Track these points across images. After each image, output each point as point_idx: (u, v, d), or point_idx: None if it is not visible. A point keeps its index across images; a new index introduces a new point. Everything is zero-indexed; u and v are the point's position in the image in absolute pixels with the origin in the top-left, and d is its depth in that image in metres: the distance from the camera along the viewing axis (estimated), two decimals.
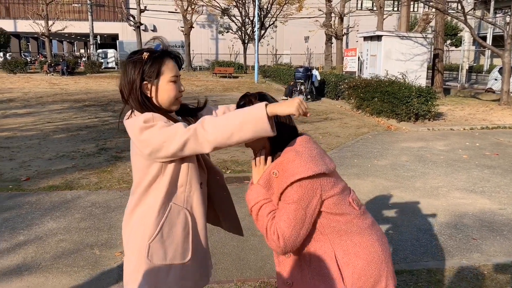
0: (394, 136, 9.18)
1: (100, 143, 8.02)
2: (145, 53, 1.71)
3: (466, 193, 5.33)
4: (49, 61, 31.71)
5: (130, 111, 1.75)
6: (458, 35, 34.26)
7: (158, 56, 1.72)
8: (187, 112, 1.93)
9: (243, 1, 35.18)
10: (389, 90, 10.93)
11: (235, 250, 3.71)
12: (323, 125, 10.26)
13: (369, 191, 5.38)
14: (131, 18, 33.44)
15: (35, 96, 16.25)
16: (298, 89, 15.43)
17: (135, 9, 33.58)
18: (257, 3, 27.57)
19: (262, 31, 34.80)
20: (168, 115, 1.73)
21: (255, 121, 1.49)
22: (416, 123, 10.46)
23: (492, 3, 31.94)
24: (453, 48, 35.53)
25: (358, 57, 18.23)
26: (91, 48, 40.95)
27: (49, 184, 5.50)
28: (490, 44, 24.53)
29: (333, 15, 28.17)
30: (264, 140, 1.70)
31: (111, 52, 39.45)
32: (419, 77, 14.52)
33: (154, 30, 43.71)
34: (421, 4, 31.71)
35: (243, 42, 36.97)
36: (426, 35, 15.64)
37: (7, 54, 42.35)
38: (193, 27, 34.96)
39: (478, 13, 21.71)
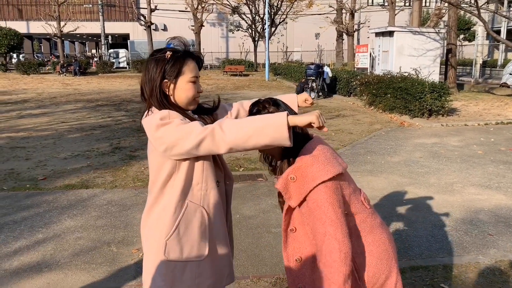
0: (407, 132, 9.12)
1: (114, 142, 8.11)
2: (168, 52, 1.74)
3: (482, 189, 5.28)
4: (61, 62, 32.08)
5: (147, 109, 1.77)
6: (471, 29, 33.83)
7: (180, 56, 1.75)
8: (203, 111, 1.95)
9: None
10: (402, 86, 10.86)
11: (250, 246, 3.73)
12: (336, 122, 10.23)
13: (383, 187, 5.36)
14: (142, 18, 33.65)
15: (49, 97, 16.46)
16: (310, 86, 15.38)
17: (146, 8, 33.80)
18: (267, 0, 27.52)
19: (273, 29, 34.74)
20: (185, 113, 1.75)
21: (275, 127, 1.50)
22: (430, 119, 10.37)
23: None
24: (467, 42, 35.10)
25: (370, 53, 18.12)
26: (103, 48, 41.36)
27: (65, 183, 5.59)
28: (504, 38, 24.17)
29: (344, 11, 28.01)
30: (278, 148, 1.71)
31: (122, 52, 39.72)
32: (432, 73, 14.38)
33: (165, 29, 43.96)
34: None
35: (254, 40, 36.97)
36: (439, 30, 15.47)
37: (20, 55, 42.96)
38: (204, 26, 35.04)
39: (492, 6, 21.40)
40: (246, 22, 36.45)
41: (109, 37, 47.35)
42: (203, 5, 33.83)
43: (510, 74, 17.39)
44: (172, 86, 1.74)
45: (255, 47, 37.26)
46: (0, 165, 6.46)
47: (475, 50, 21.13)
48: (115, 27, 45.33)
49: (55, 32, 35.37)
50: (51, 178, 5.79)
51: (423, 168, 6.26)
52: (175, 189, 1.75)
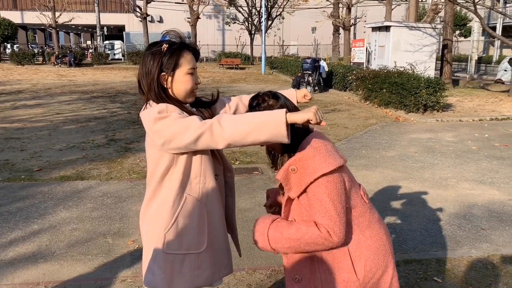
0: (402, 127, 9.16)
1: (109, 134, 8.09)
2: (164, 45, 1.73)
3: (475, 184, 5.33)
4: (56, 53, 31.83)
5: (145, 102, 1.77)
6: (467, 25, 33.88)
7: (176, 48, 1.75)
8: (201, 104, 1.95)
9: None
10: (398, 81, 10.89)
11: (245, 239, 3.75)
12: (331, 117, 10.25)
13: (377, 182, 5.40)
14: (138, 9, 33.40)
15: (44, 88, 16.35)
16: (306, 80, 15.38)
17: (142, 0, 33.53)
18: None
19: (269, 22, 34.63)
20: (182, 107, 1.75)
21: (273, 124, 1.51)
22: (425, 114, 10.42)
23: None
24: (462, 38, 35.18)
25: (366, 48, 18.11)
26: (98, 40, 41.03)
27: (61, 174, 5.58)
28: (500, 34, 24.25)
29: (340, 5, 27.93)
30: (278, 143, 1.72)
31: (117, 44, 39.46)
32: (428, 68, 14.41)
33: (161, 21, 43.66)
34: None
35: (250, 33, 36.84)
36: (435, 26, 15.48)
37: (15, 46, 42.56)
38: (200, 18, 34.85)
39: (488, 2, 21.40)
40: (243, 15, 36.29)
41: (105, 28, 47.01)
42: None
43: (505, 70, 17.50)
44: (170, 78, 1.74)
45: (252, 40, 37.14)
46: None
47: (470, 46, 21.20)
48: (111, 19, 44.97)
49: (50, 22, 35.03)
50: (46, 170, 5.78)
51: (418, 163, 6.30)
52: (173, 182, 1.76)
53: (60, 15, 35.42)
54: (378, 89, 11.71)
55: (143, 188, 5.03)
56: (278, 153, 1.81)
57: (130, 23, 44.22)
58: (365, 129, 8.76)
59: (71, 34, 61.06)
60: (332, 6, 28.90)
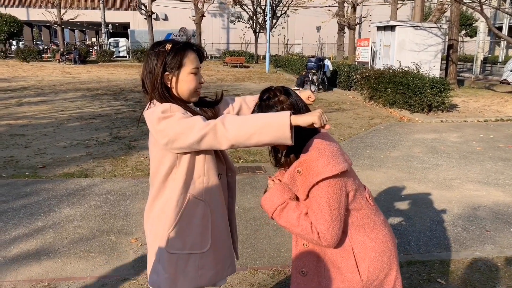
0: (407, 127, 9.12)
1: (114, 131, 8.10)
2: (168, 45, 1.73)
3: (480, 185, 5.30)
4: (61, 50, 31.93)
5: (149, 102, 1.77)
6: (473, 25, 33.71)
7: (180, 48, 1.74)
8: (205, 104, 1.95)
9: None
10: (403, 81, 10.84)
11: (248, 238, 3.75)
12: (335, 116, 10.23)
13: (381, 182, 5.38)
14: (143, 7, 33.43)
15: (48, 85, 16.40)
16: (310, 79, 15.35)
17: None
18: None
19: (274, 21, 34.58)
20: (186, 106, 1.75)
21: (277, 126, 1.50)
22: (429, 115, 10.38)
23: None
24: (468, 38, 35.00)
25: (371, 47, 18.05)
26: (103, 37, 41.14)
27: (65, 171, 5.59)
28: (506, 34, 24.10)
29: (346, 4, 27.85)
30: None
31: (122, 41, 39.57)
32: (433, 68, 14.34)
33: (166, 19, 43.71)
34: None
35: (255, 32, 36.80)
36: (441, 25, 15.40)
37: (20, 43, 42.74)
38: (205, 16, 34.84)
39: (494, 3, 21.27)
40: (248, 13, 36.26)
41: (110, 25, 47.08)
42: None
43: (511, 71, 17.36)
44: (173, 78, 1.74)
45: (256, 38, 37.10)
46: None
47: (476, 46, 21.06)
48: (116, 16, 45.07)
49: (55, 19, 35.15)
50: (50, 166, 5.79)
51: (422, 163, 6.27)
52: (176, 182, 1.75)
53: (66, 12, 35.55)
54: (382, 88, 11.67)
55: (146, 186, 5.04)
56: (283, 150, 1.81)
57: (135, 20, 44.33)
58: (369, 129, 8.73)
59: (76, 31, 61.26)
60: (337, 5, 28.82)
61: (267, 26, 27.88)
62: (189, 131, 1.60)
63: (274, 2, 33.77)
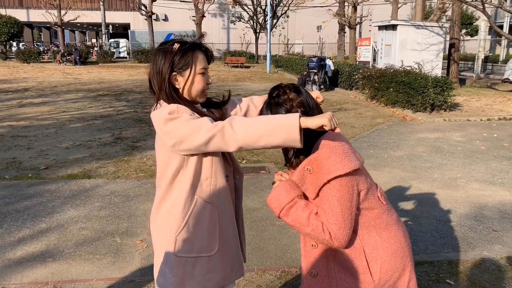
0: (409, 126, 9.09)
1: (116, 132, 8.07)
2: (175, 44, 1.70)
3: (485, 185, 5.27)
4: (62, 51, 31.91)
5: (155, 102, 1.74)
6: (474, 24, 33.66)
7: (188, 48, 1.71)
8: (212, 105, 1.92)
9: None
10: (405, 80, 10.81)
11: (254, 239, 3.72)
12: (338, 116, 10.20)
13: (386, 182, 5.35)
14: (143, 8, 33.42)
15: (50, 86, 16.38)
16: (312, 79, 15.32)
17: None
18: None
19: (274, 21, 34.54)
20: (193, 107, 1.72)
21: (286, 129, 1.47)
22: (432, 114, 10.35)
23: None
24: (469, 37, 34.93)
25: (372, 47, 18.02)
26: (103, 38, 41.12)
27: (68, 172, 5.57)
28: (507, 33, 24.05)
29: (346, 4, 27.82)
30: None
31: (123, 42, 39.53)
32: (435, 67, 14.31)
33: (166, 19, 43.70)
34: None
35: (255, 32, 36.76)
36: (442, 24, 15.37)
37: (20, 44, 42.73)
38: (205, 16, 34.81)
39: (495, 1, 21.21)
40: (248, 13, 36.22)
41: (110, 26, 47.07)
42: None
43: None
44: (181, 78, 1.72)
45: (257, 38, 37.06)
46: (1, 154, 6.44)
47: (477, 45, 21.03)
48: (116, 17, 45.06)
49: (56, 20, 35.13)
50: (53, 168, 5.77)
51: (426, 162, 6.24)
52: (184, 184, 1.73)
53: (66, 13, 35.52)
54: (384, 88, 11.64)
55: (150, 187, 5.01)
56: (291, 149, 1.78)
57: (135, 21, 44.30)
58: (372, 129, 8.71)
59: (76, 32, 61.20)
60: (337, 4, 28.80)
61: (268, 26, 27.83)
62: (196, 132, 1.57)
63: (275, 2, 33.73)
